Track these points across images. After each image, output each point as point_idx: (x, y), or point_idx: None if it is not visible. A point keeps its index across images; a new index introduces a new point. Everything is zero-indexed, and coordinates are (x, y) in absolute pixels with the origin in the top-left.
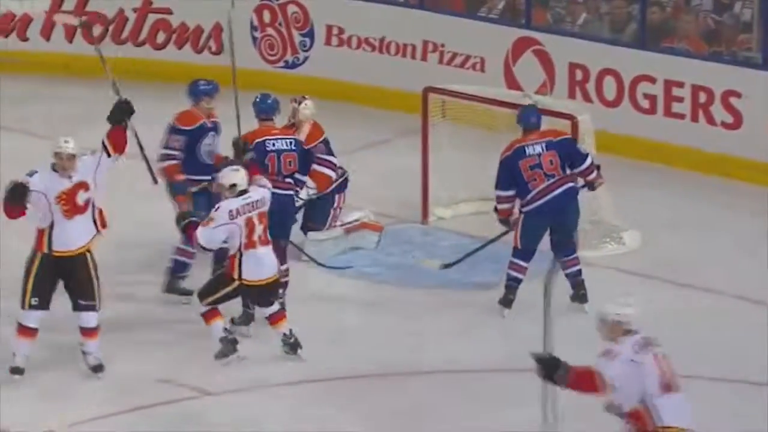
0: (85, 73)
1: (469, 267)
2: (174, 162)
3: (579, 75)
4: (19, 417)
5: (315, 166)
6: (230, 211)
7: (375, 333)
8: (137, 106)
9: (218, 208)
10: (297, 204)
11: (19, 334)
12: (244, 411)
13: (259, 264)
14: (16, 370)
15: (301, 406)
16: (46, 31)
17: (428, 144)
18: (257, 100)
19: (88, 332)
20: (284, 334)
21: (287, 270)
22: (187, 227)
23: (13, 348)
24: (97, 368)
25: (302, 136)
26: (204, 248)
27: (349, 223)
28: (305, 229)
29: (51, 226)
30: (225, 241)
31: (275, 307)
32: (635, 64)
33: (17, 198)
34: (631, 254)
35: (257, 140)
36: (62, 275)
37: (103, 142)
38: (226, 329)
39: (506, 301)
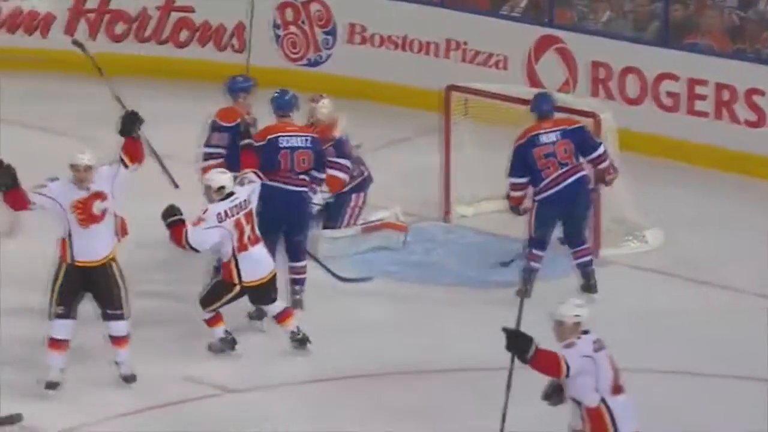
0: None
1: (490, 265)
2: (218, 161)
3: (601, 73)
4: (37, 415)
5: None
6: (218, 213)
7: (393, 331)
8: (159, 103)
9: (206, 210)
10: (313, 206)
11: (49, 347)
12: (260, 409)
13: (256, 264)
14: (51, 385)
15: (315, 405)
16: (71, 30)
17: (450, 142)
18: (275, 96)
19: (117, 341)
20: (292, 332)
21: (304, 266)
22: (173, 225)
23: (47, 362)
24: (129, 378)
25: (337, 133)
26: (192, 249)
27: (371, 222)
28: (323, 228)
29: (71, 236)
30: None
31: (281, 305)
32: (658, 61)
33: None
34: (652, 252)
35: (270, 136)
36: (87, 285)
37: (119, 155)
38: (226, 331)
39: (524, 291)
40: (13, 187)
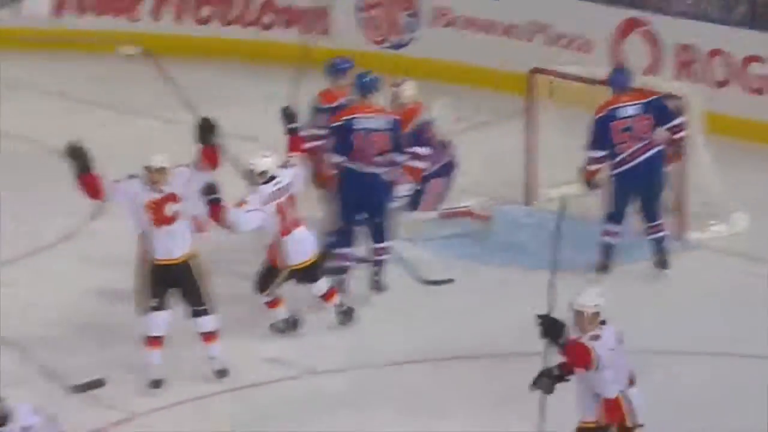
0: (202, 53)
1: (575, 246)
2: (320, 142)
3: (688, 55)
4: (110, 396)
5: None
6: (262, 197)
7: (475, 314)
8: (242, 85)
9: (251, 193)
10: (398, 194)
11: (146, 344)
12: (336, 392)
13: (300, 246)
14: (156, 383)
15: (403, 387)
16: (157, 13)
17: (535, 125)
18: (355, 77)
19: (208, 336)
20: (335, 306)
21: (386, 248)
22: (213, 203)
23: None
24: (222, 373)
25: (419, 118)
26: (231, 229)
27: (453, 208)
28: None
29: (148, 234)
30: None
31: (325, 284)
32: (745, 43)
33: (76, 158)
34: (738, 236)
35: (346, 117)
36: (170, 282)
37: (195, 159)
38: (295, 311)
39: (602, 267)
40: (87, 172)
